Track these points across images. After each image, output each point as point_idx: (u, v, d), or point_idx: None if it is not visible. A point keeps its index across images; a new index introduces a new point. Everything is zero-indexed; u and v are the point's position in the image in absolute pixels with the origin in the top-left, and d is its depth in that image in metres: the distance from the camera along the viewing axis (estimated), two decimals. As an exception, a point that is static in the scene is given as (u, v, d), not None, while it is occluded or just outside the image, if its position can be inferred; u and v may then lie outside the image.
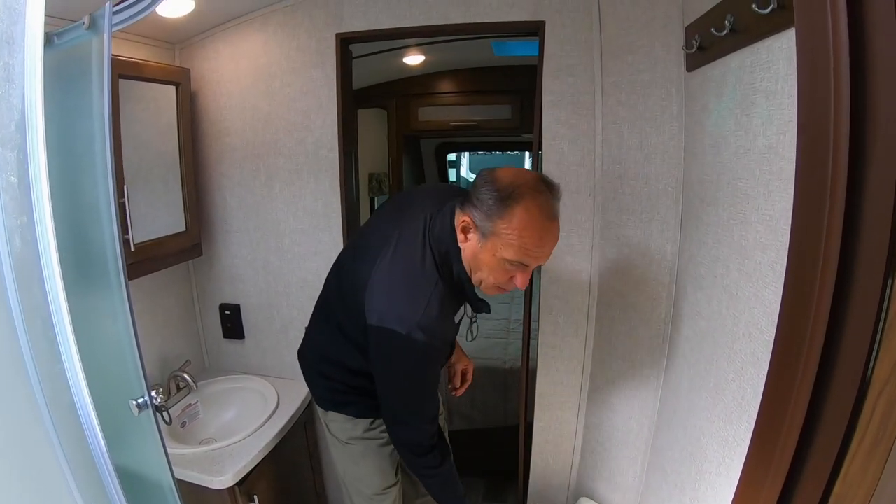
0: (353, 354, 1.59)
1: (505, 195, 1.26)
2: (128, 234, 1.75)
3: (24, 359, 0.74)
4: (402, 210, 1.56)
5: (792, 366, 0.82)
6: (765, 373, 1.02)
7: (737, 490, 1.02)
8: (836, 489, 0.77)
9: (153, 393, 1.41)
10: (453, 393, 1.98)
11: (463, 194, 1.40)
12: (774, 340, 0.91)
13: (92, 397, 0.85)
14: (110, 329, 1.44)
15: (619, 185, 1.81)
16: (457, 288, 1.45)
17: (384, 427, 1.72)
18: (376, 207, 4.07)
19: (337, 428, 1.75)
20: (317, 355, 1.76)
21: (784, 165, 1.00)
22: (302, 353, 1.83)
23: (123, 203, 1.72)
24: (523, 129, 3.63)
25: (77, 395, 0.81)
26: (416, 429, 1.54)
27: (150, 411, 1.45)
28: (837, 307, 0.75)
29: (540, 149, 1.89)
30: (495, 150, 7.06)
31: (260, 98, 2.15)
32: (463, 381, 1.98)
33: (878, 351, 0.69)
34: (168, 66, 2.06)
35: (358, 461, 1.78)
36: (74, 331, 0.78)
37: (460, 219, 1.36)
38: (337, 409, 1.73)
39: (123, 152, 1.77)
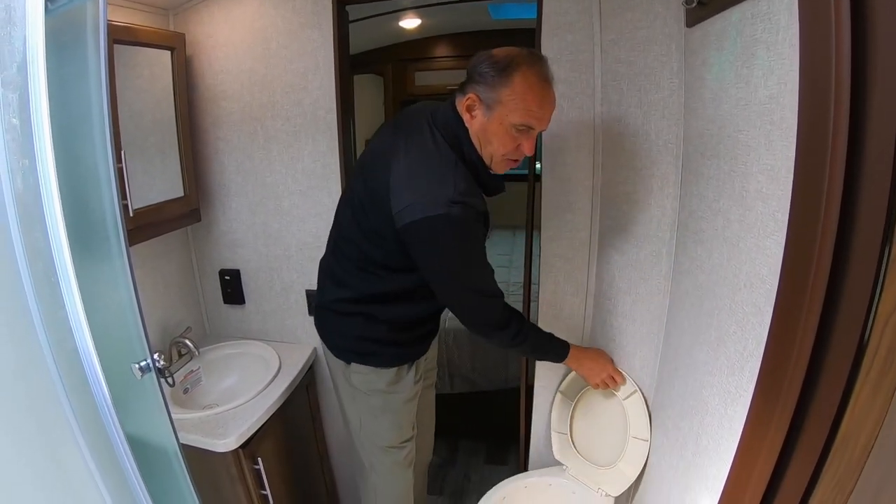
0: (377, 288, 1.67)
1: (504, 65, 1.39)
2: (126, 199, 1.74)
3: (28, 301, 0.74)
4: (399, 124, 1.63)
5: (798, 304, 0.83)
6: (767, 321, 1.03)
7: (743, 434, 1.03)
8: (844, 425, 0.79)
9: (156, 356, 1.44)
10: None
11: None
12: (779, 279, 0.92)
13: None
14: (111, 292, 1.45)
15: (618, 142, 1.80)
16: (472, 170, 1.51)
17: (407, 381, 1.80)
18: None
19: (360, 380, 1.78)
20: (335, 306, 1.77)
21: (785, 115, 1.00)
22: (319, 308, 1.87)
23: (121, 169, 1.71)
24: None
25: (80, 341, 0.81)
26: (486, 307, 1.61)
27: (153, 374, 1.47)
28: (842, 243, 0.76)
29: None
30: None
31: (256, 61, 2.13)
32: None
33: (882, 283, 0.70)
34: (163, 31, 2.04)
35: (377, 415, 1.82)
36: (77, 278, 0.78)
37: (464, 100, 1.46)
38: (360, 361, 1.76)
39: (119, 120, 1.76)
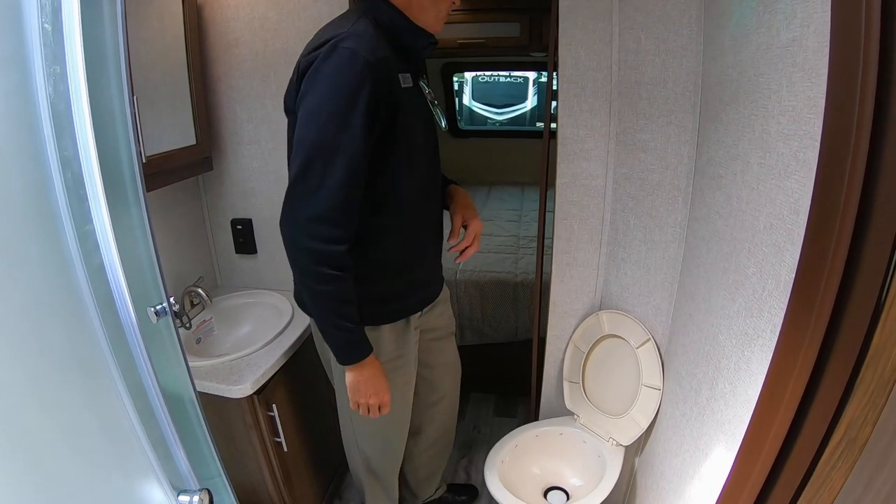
0: None
1: None
2: (139, 145, 1.73)
3: (60, 210, 0.75)
4: None
5: (829, 226, 0.84)
6: (787, 261, 1.05)
7: (770, 367, 1.04)
8: (876, 338, 0.80)
9: (171, 300, 1.45)
10: (450, 251, 1.76)
11: None
12: (811, 204, 0.92)
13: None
14: (128, 235, 1.45)
15: (635, 90, 1.78)
16: (389, 30, 1.45)
17: (393, 352, 1.71)
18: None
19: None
20: None
21: (808, 56, 0.99)
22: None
23: (134, 114, 1.70)
24: (532, 48, 3.53)
25: (107, 259, 0.82)
26: (313, 189, 1.36)
27: (169, 318, 1.48)
28: (872, 167, 0.77)
29: (556, 57, 1.86)
30: (501, 72, 6.91)
31: (269, 8, 2.11)
32: (467, 241, 1.75)
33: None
34: (173, -24, 2.00)
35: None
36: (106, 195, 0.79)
37: None
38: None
39: (134, 68, 1.70)
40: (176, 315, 1.51)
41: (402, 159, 1.49)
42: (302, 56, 1.42)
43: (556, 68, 1.88)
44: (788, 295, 1.00)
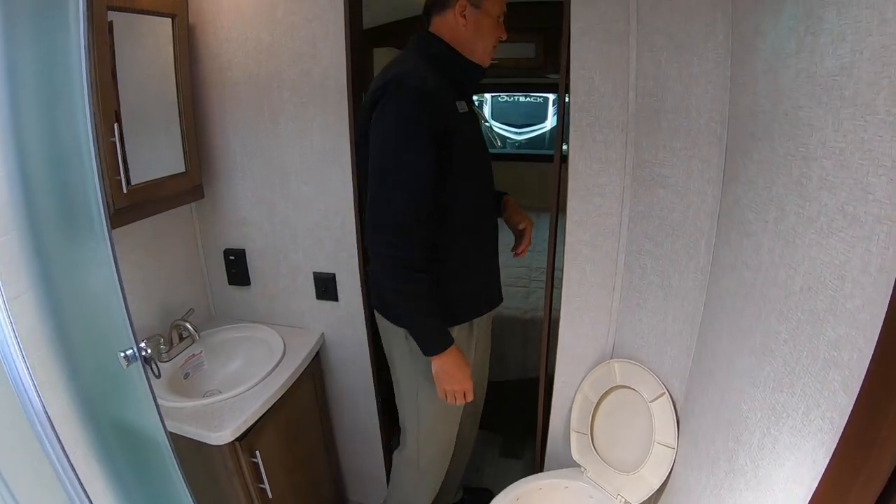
0: None
1: None
2: (118, 175, 1.66)
3: None
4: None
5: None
6: (828, 335, 0.89)
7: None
8: None
9: (143, 344, 1.36)
10: (514, 252, 2.09)
11: (431, 7, 1.70)
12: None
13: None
14: (95, 277, 1.37)
15: (655, 119, 1.65)
16: (444, 66, 1.67)
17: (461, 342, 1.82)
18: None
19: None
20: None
21: (860, 89, 0.84)
22: (374, 282, 1.92)
23: (114, 143, 1.63)
24: (548, 69, 3.44)
25: None
26: (393, 203, 1.58)
27: (140, 364, 1.37)
28: None
29: (567, 80, 1.74)
30: (517, 93, 6.92)
31: (262, 29, 2.00)
32: (522, 240, 2.08)
33: None
34: (163, -3, 1.90)
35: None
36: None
37: (456, 9, 1.64)
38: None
39: (122, 93, 1.70)
40: (146, 361, 1.43)
41: (462, 175, 1.68)
42: (369, 93, 1.62)
43: (567, 90, 1.77)
44: (833, 378, 0.85)
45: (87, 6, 1.17)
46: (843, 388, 0.86)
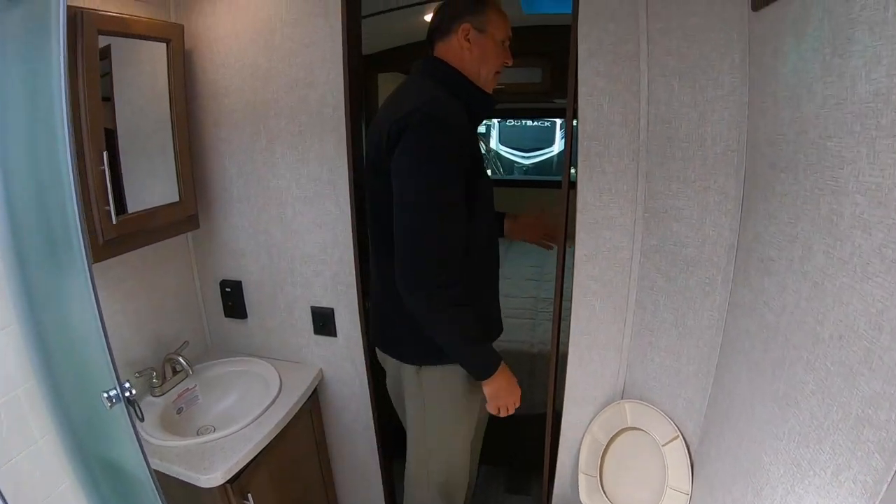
0: None
1: None
2: (108, 205, 1.62)
3: None
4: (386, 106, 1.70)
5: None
6: (862, 391, 0.81)
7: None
8: None
9: (126, 384, 1.33)
10: (547, 245, 2.13)
11: (434, 32, 1.68)
12: None
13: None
14: (79, 313, 1.34)
15: (667, 148, 1.57)
16: (458, 92, 1.62)
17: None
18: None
19: (437, 385, 1.78)
20: (394, 308, 1.71)
21: (900, 117, 0.76)
22: (376, 317, 1.90)
23: (103, 171, 1.59)
24: (555, 94, 3.41)
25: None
26: (428, 232, 1.53)
27: (123, 405, 1.34)
28: None
29: (575, 105, 1.68)
30: (524, 118, 6.92)
31: (259, 54, 1.95)
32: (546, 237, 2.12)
33: None
34: (156, 22, 1.87)
35: (462, 418, 1.86)
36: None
37: (459, 34, 1.62)
38: (431, 363, 1.75)
39: (118, 119, 1.70)
40: (129, 402, 1.40)
41: (481, 204, 1.66)
42: (386, 122, 1.54)
43: (575, 116, 1.71)
44: (867, 438, 0.77)
45: (66, 32, 1.13)
46: (878, 449, 0.78)
